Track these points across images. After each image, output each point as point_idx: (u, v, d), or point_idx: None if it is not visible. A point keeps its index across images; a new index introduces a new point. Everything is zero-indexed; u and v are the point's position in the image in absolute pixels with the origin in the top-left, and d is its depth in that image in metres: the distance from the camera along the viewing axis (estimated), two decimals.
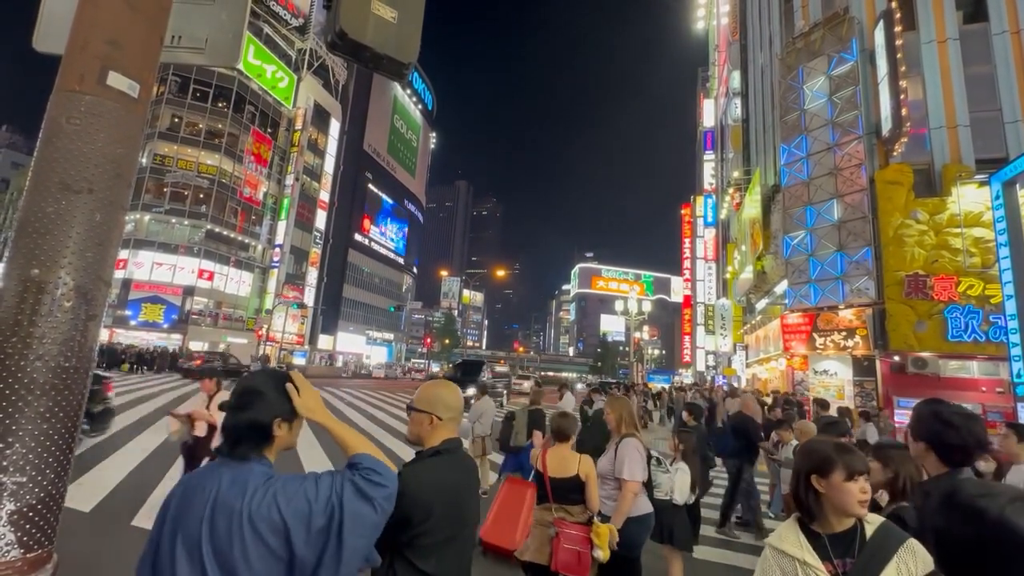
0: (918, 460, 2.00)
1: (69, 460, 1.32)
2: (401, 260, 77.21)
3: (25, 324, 1.24)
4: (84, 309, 1.34)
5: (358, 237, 63.46)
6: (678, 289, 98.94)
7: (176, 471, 6.75)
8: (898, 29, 15.27)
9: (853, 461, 1.51)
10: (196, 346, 36.01)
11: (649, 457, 3.61)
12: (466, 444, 7.50)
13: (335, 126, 52.39)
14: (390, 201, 72.06)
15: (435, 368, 56.72)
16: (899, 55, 15.00)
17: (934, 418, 1.83)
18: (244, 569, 1.13)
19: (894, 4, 15.72)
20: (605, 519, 3.20)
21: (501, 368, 21.83)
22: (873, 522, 1.49)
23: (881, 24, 15.68)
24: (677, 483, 3.96)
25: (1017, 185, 10.53)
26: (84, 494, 5.41)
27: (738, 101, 29.90)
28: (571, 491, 2.99)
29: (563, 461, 3.03)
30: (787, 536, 1.56)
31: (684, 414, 6.26)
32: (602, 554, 2.82)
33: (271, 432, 1.29)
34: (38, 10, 1.86)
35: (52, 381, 1.26)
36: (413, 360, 74.09)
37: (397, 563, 1.52)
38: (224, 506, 1.17)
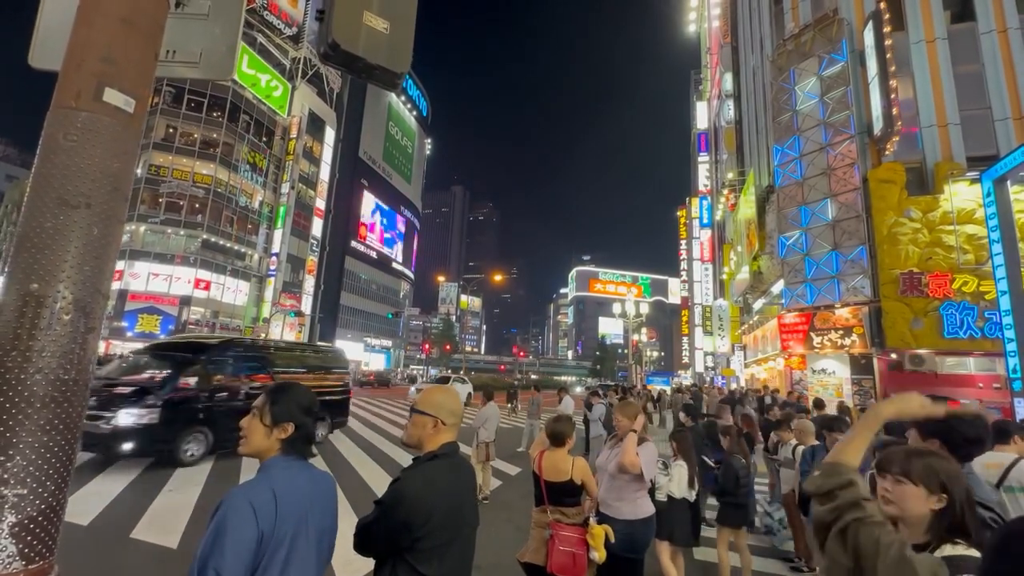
0: None
1: (70, 472, 1.33)
2: (398, 266, 77.20)
3: (24, 338, 1.26)
4: (83, 322, 1.36)
5: (355, 244, 63.46)
6: (676, 291, 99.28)
7: (175, 483, 6.72)
8: (887, 30, 15.43)
9: (880, 459, 1.47)
10: None
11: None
12: (468, 450, 7.51)
13: (330, 134, 52.45)
14: (386, 208, 72.11)
15: (433, 373, 56.61)
16: (888, 55, 15.16)
17: (947, 414, 1.82)
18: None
19: (883, 5, 15.90)
20: (605, 519, 3.22)
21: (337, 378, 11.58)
22: (938, 551, 1.31)
23: (870, 25, 15.85)
24: (675, 478, 4.11)
25: (1008, 182, 10.62)
26: (82, 507, 5.39)
27: (731, 103, 30.09)
28: (566, 494, 3.03)
29: (558, 465, 3.07)
30: None
31: (681, 415, 6.31)
32: (598, 555, 2.84)
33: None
34: (34, 27, 1.88)
35: (52, 394, 1.28)
36: (412, 367, 73.93)
37: (399, 567, 1.53)
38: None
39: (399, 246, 77.35)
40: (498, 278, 57.59)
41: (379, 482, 7.45)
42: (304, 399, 1.58)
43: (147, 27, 1.60)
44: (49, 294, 1.30)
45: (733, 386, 26.02)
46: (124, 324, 35.02)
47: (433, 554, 1.54)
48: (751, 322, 26.32)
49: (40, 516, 1.24)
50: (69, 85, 1.44)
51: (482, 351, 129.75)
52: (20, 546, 1.19)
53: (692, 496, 4.19)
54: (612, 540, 2.98)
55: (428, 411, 1.72)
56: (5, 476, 1.19)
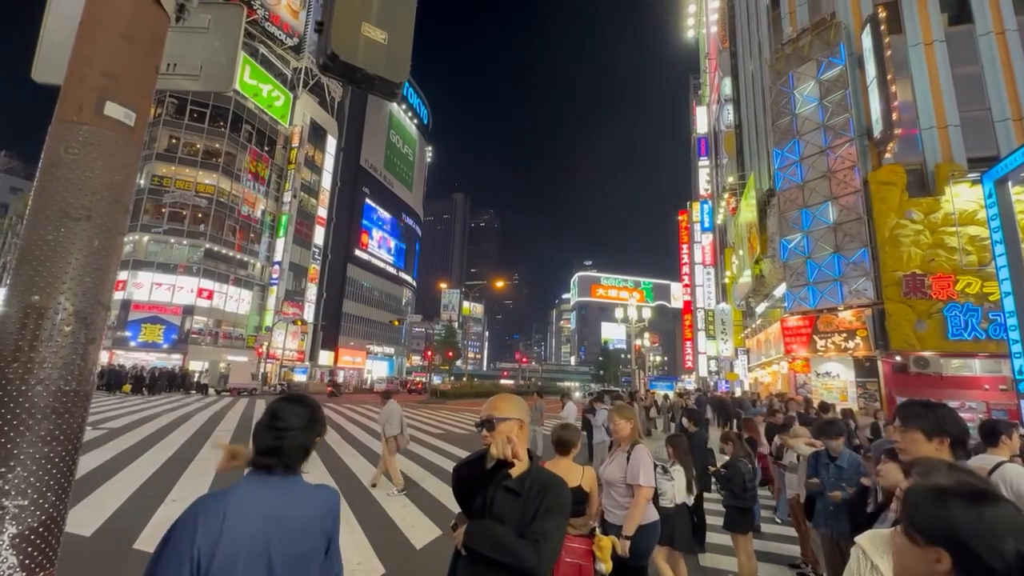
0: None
1: (70, 483, 1.34)
2: (400, 274, 77.28)
3: (26, 349, 1.27)
4: (84, 333, 1.37)
5: (357, 252, 63.57)
6: (678, 295, 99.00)
7: (179, 492, 6.71)
8: (885, 32, 15.48)
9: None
10: (196, 366, 35.92)
11: (655, 466, 3.65)
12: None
13: (332, 143, 52.78)
14: (388, 215, 72.32)
15: (437, 381, 56.56)
16: (887, 58, 15.20)
17: (954, 418, 1.86)
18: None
19: (880, 8, 15.97)
20: (613, 529, 3.19)
21: None
22: None
23: (868, 28, 15.90)
24: (674, 483, 4.08)
25: (1009, 182, 10.61)
26: (85, 518, 5.38)
27: (730, 107, 30.20)
28: (575, 503, 2.97)
29: (566, 473, 3.02)
30: (877, 537, 1.49)
31: (684, 420, 6.29)
32: (605, 567, 2.80)
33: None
34: (37, 40, 1.91)
35: (53, 405, 1.29)
36: (413, 374, 73.82)
37: None
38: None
39: (401, 253, 77.49)
40: (500, 284, 57.63)
41: (386, 499, 7.41)
42: (265, 416, 1.47)
43: (147, 41, 1.62)
44: (50, 305, 1.31)
45: (737, 390, 25.90)
46: (128, 334, 35.12)
47: None
48: (754, 326, 26.25)
49: (41, 527, 1.24)
50: (71, 99, 1.46)
51: (485, 357, 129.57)
52: (21, 557, 1.20)
53: (691, 500, 4.18)
54: (619, 552, 2.91)
55: (513, 416, 1.80)
56: (6, 487, 1.20)
